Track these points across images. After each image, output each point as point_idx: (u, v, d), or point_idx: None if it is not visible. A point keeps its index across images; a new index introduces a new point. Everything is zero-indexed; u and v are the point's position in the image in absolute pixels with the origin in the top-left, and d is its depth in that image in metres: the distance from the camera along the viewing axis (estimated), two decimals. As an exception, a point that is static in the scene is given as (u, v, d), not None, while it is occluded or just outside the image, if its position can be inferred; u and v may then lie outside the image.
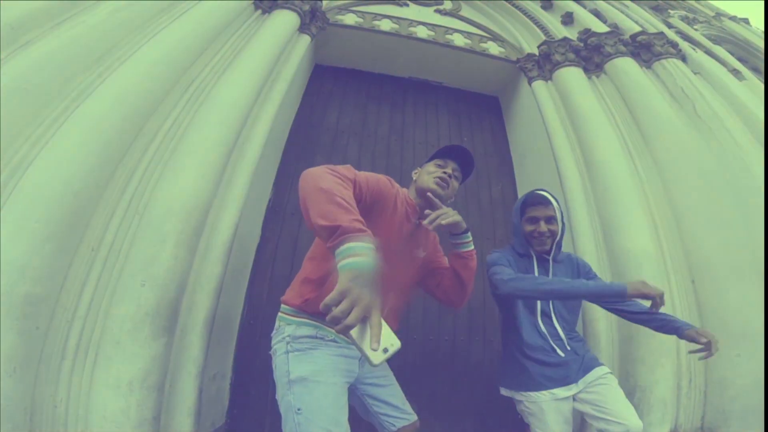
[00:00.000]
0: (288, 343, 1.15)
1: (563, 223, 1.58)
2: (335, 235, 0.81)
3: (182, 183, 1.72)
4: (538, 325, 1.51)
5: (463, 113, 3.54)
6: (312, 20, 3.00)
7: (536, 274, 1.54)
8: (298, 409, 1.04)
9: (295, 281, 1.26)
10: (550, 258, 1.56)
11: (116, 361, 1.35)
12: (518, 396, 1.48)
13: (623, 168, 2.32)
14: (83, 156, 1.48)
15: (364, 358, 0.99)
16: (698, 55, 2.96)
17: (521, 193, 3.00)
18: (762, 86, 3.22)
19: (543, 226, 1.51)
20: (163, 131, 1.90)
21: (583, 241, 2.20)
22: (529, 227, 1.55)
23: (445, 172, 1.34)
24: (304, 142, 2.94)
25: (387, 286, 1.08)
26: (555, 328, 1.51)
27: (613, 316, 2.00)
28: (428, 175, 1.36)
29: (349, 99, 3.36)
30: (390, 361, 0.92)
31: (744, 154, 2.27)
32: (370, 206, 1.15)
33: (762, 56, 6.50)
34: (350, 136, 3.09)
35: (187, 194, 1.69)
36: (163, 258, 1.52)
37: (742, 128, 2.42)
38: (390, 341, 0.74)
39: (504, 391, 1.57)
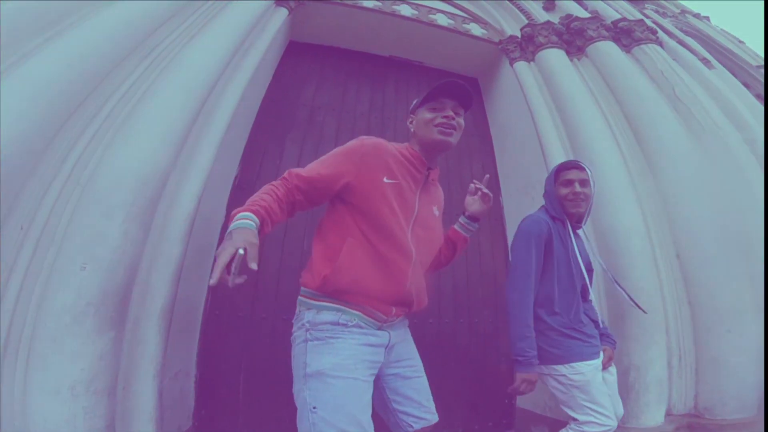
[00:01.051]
0: (307, 330, 1.00)
1: (593, 192, 1.52)
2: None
3: (138, 148, 1.46)
4: (578, 302, 1.43)
5: None
6: (291, -7, 2.75)
7: (572, 239, 1.46)
8: (314, 408, 0.90)
9: (310, 262, 1.08)
10: (583, 227, 1.53)
11: (53, 362, 1.11)
12: (562, 369, 1.34)
13: (608, 146, 2.26)
14: (12, 120, 1.20)
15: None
16: (674, 44, 2.93)
17: (501, 169, 2.98)
18: (731, 77, 3.25)
19: (578, 187, 1.45)
20: (118, 94, 1.65)
21: None
22: (563, 190, 1.48)
23: (445, 116, 1.12)
24: (275, 118, 2.74)
25: (418, 248, 1.10)
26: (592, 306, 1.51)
27: (603, 294, 1.98)
28: (426, 124, 1.15)
29: (328, 76, 3.16)
30: None
31: (723, 134, 2.26)
32: (351, 185, 1.06)
33: (725, 52, 6.70)
34: (328, 112, 2.92)
35: (142, 161, 1.43)
36: (110, 235, 1.25)
37: (716, 109, 2.41)
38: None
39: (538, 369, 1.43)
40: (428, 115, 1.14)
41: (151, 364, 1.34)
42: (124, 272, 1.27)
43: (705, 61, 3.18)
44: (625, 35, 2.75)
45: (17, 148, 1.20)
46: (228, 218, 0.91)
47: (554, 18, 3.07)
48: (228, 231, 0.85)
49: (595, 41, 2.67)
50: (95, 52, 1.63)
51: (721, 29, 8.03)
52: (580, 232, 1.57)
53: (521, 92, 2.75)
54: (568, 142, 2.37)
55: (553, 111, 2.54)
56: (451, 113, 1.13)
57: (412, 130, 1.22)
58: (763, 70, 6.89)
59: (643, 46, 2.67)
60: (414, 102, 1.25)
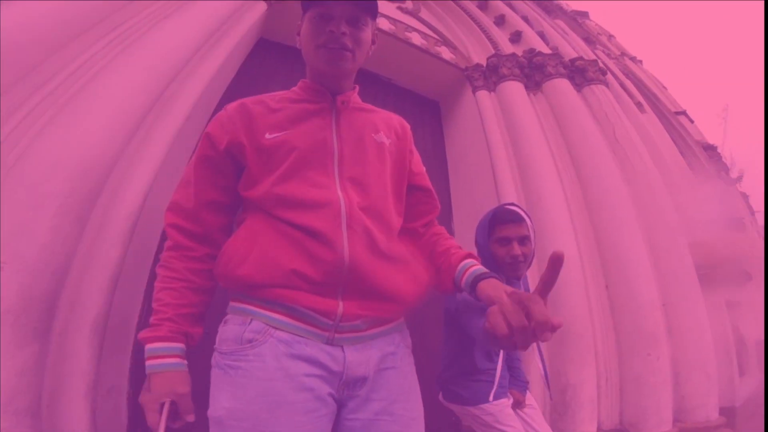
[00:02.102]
0: (214, 350, 0.70)
1: (534, 244, 1.27)
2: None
3: (84, 130, 1.26)
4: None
5: (406, 112, 3.38)
6: (270, -13, 2.65)
7: None
8: None
9: None
10: (521, 284, 1.26)
11: None
12: (473, 410, 1.29)
13: (553, 180, 2.41)
14: None
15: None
16: (617, 85, 3.22)
17: (454, 194, 3.04)
18: (657, 122, 3.66)
19: (516, 248, 1.18)
20: (68, 70, 1.44)
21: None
22: (500, 249, 1.21)
23: (331, 30, 0.73)
24: None
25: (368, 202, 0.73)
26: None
27: None
28: (308, 44, 0.78)
29: (295, 79, 3.01)
30: None
31: (651, 179, 2.52)
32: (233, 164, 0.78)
33: (651, 96, 7.49)
34: None
35: (87, 145, 1.23)
36: (37, 231, 1.05)
37: (647, 155, 2.69)
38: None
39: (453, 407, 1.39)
40: (310, 29, 0.76)
41: (82, 380, 1.15)
42: (51, 275, 1.07)
43: (639, 105, 3.54)
44: (579, 74, 2.95)
45: None
46: (138, 335, 0.71)
47: (518, 50, 3.23)
48: (147, 373, 0.66)
49: (553, 78, 2.83)
50: (51, 17, 1.43)
51: (651, 74, 9.00)
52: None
53: (480, 121, 2.83)
54: (518, 175, 2.50)
55: (508, 144, 2.65)
56: (339, 25, 0.73)
57: (299, 46, 0.84)
58: (679, 117, 7.82)
59: (593, 86, 2.88)
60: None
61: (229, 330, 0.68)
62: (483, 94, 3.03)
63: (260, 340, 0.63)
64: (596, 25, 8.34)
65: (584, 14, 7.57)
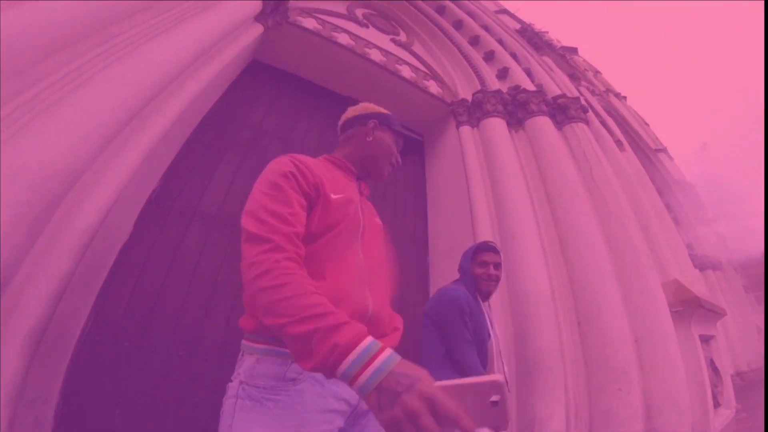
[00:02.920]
0: (241, 383, 0.71)
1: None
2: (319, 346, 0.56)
3: (51, 140, 1.24)
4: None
5: None
6: (273, 11, 2.71)
7: (485, 314, 1.58)
8: None
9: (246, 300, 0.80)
10: (488, 303, 1.66)
11: None
12: None
13: (528, 217, 2.46)
14: None
15: None
16: (597, 123, 3.35)
17: (432, 228, 3.07)
18: (636, 161, 3.79)
19: (492, 270, 1.58)
20: (52, 78, 1.44)
21: None
22: (479, 269, 1.60)
23: (397, 159, 1.07)
24: (214, 136, 2.50)
25: (377, 266, 0.89)
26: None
27: (512, 350, 2.13)
28: (386, 151, 1.02)
29: (282, 102, 3.05)
30: None
31: (624, 218, 2.57)
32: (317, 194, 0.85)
33: (632, 133, 7.77)
34: (272, 140, 2.76)
35: (53, 153, 1.21)
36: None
37: (623, 195, 2.79)
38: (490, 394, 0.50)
39: None
40: (394, 148, 1.05)
41: (7, 390, 1.11)
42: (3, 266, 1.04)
43: (619, 144, 3.67)
44: (561, 112, 3.03)
45: None
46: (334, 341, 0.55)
47: (505, 86, 3.34)
48: (385, 371, 0.52)
49: (535, 115, 2.91)
50: (31, 29, 1.41)
51: (634, 111, 9.36)
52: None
53: (461, 157, 2.89)
54: (495, 212, 2.54)
55: (487, 180, 2.70)
56: (399, 158, 1.08)
57: (369, 139, 1.01)
58: (660, 154, 8.09)
59: (573, 124, 2.96)
60: (372, 112, 1.08)
61: (267, 368, 0.71)
62: (466, 130, 3.09)
63: (300, 379, 0.70)
64: (584, 60, 8.71)
65: (573, 50, 7.90)
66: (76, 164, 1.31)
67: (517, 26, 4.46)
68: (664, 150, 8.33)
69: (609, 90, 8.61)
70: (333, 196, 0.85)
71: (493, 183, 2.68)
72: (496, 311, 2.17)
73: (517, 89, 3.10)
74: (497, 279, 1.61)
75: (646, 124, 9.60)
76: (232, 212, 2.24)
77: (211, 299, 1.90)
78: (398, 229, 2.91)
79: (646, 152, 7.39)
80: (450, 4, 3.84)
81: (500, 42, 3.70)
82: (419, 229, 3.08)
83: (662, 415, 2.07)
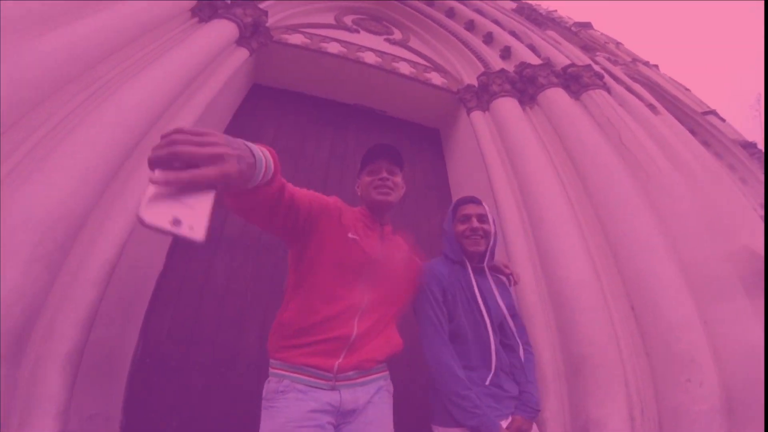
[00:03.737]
0: (262, 399, 1.02)
1: (495, 229, 1.42)
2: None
3: (53, 187, 1.39)
4: (487, 354, 1.28)
5: (404, 142, 3.34)
6: (254, 34, 2.73)
7: (473, 282, 1.31)
8: None
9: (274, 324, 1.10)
10: (485, 266, 1.39)
11: None
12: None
13: (558, 198, 2.18)
14: None
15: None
16: (622, 90, 3.02)
17: None
18: (676, 123, 3.36)
19: (475, 222, 1.36)
20: (45, 128, 1.58)
21: (522, 272, 2.00)
22: (461, 226, 1.39)
23: (380, 178, 1.20)
24: None
25: (381, 300, 1.11)
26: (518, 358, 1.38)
27: (557, 345, 1.83)
28: (366, 187, 1.22)
29: (289, 120, 3.08)
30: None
31: (668, 183, 2.23)
32: (323, 228, 1.06)
33: (672, 99, 7.10)
34: (285, 159, 2.78)
35: (56, 200, 1.36)
36: (9, 275, 1.20)
37: (662, 157, 2.43)
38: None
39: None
40: (367, 179, 1.22)
41: (51, 404, 1.28)
42: (21, 312, 1.22)
43: (651, 107, 3.29)
44: (574, 81, 2.76)
45: None
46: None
47: (510, 66, 3.10)
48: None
49: (546, 88, 2.66)
50: (21, 80, 1.53)
51: (669, 77, 8.61)
52: (500, 277, 1.46)
53: (476, 143, 2.71)
54: (520, 195, 2.30)
55: (506, 163, 2.48)
56: (385, 174, 1.20)
57: (359, 194, 1.27)
58: (708, 117, 7.32)
59: (590, 92, 2.67)
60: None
61: (270, 386, 1.01)
62: (477, 115, 2.90)
63: (287, 391, 0.97)
64: (602, 34, 8.20)
65: (587, 25, 7.48)
66: (78, 206, 1.44)
67: (513, 5, 4.24)
68: (712, 112, 7.52)
69: (636, 59, 8.01)
70: (350, 236, 1.08)
71: (513, 165, 2.45)
72: (531, 304, 1.93)
73: (522, 65, 2.88)
74: (485, 234, 1.36)
75: (687, 89, 8.79)
76: (253, 234, 2.34)
77: (242, 319, 2.03)
78: (425, 235, 2.72)
79: (693, 117, 6.70)
80: (439, -6, 3.74)
81: (497, 23, 3.51)
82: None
83: (749, 408, 1.69)
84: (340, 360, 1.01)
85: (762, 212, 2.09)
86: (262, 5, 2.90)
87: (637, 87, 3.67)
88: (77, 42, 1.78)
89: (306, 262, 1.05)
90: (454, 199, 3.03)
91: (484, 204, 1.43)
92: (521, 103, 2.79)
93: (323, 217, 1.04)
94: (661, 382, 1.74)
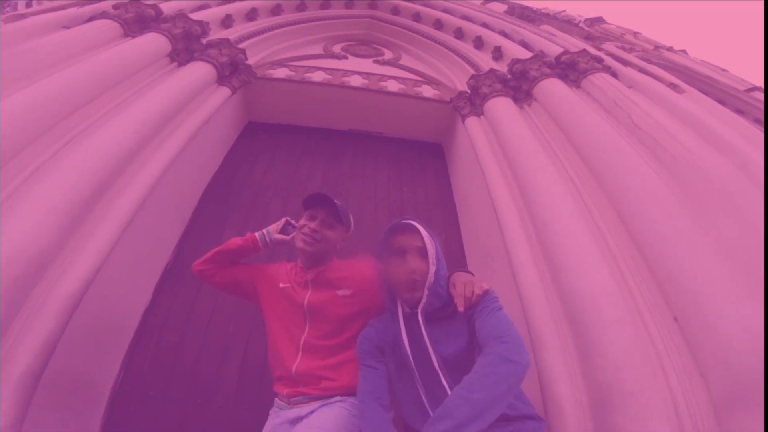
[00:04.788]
0: None
1: (438, 266, 1.03)
2: None
3: (13, 229, 1.49)
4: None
5: (404, 162, 3.19)
6: (234, 73, 2.76)
7: (404, 337, 1.00)
8: None
9: None
10: (418, 311, 0.99)
11: None
12: None
13: (564, 198, 1.89)
14: None
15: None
16: (630, 72, 2.71)
17: (466, 239, 2.58)
18: (706, 99, 2.97)
19: (412, 262, 1.00)
20: (23, 174, 1.68)
21: (529, 287, 1.71)
22: (396, 266, 1.03)
23: (309, 227, 1.22)
24: (220, 201, 2.60)
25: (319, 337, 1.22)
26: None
27: (578, 374, 1.47)
28: (299, 230, 1.26)
29: (281, 154, 3.05)
30: None
31: (698, 159, 1.85)
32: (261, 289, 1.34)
33: (707, 80, 6.49)
34: (275, 192, 2.74)
35: (12, 241, 1.45)
36: None
37: (690, 134, 2.09)
38: None
39: None
40: (303, 221, 1.25)
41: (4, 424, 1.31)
42: None
43: (673, 86, 2.94)
44: (571, 69, 2.49)
45: None
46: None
47: (503, 66, 2.91)
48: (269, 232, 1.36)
49: (539, 81, 2.43)
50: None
51: (701, 60, 7.97)
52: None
53: (473, 150, 2.50)
54: (521, 199, 2.03)
55: (504, 165, 2.24)
56: (315, 225, 1.21)
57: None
58: (754, 93, 6.60)
59: (590, 77, 2.40)
60: None
61: None
62: (471, 121, 2.70)
63: (271, 414, 1.25)
64: (617, 27, 7.84)
65: (598, 20, 7.21)
66: (37, 246, 1.50)
67: (504, 7, 4.12)
68: (756, 89, 6.77)
69: (659, 46, 7.52)
70: (281, 285, 1.28)
71: (512, 168, 2.20)
72: (542, 326, 1.61)
73: (513, 62, 2.69)
74: (423, 276, 0.99)
75: (723, 69, 8.08)
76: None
77: (224, 352, 2.03)
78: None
79: (736, 96, 6.08)
80: (422, 8, 3.69)
81: (485, 26, 3.36)
82: (454, 243, 2.64)
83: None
84: (289, 390, 1.19)
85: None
86: (241, 45, 2.97)
87: (654, 69, 3.32)
88: (56, 91, 1.87)
89: (263, 313, 1.32)
90: (459, 210, 2.84)
91: (421, 231, 1.05)
92: (517, 100, 2.57)
93: (255, 281, 1.34)
94: (723, 408, 1.32)
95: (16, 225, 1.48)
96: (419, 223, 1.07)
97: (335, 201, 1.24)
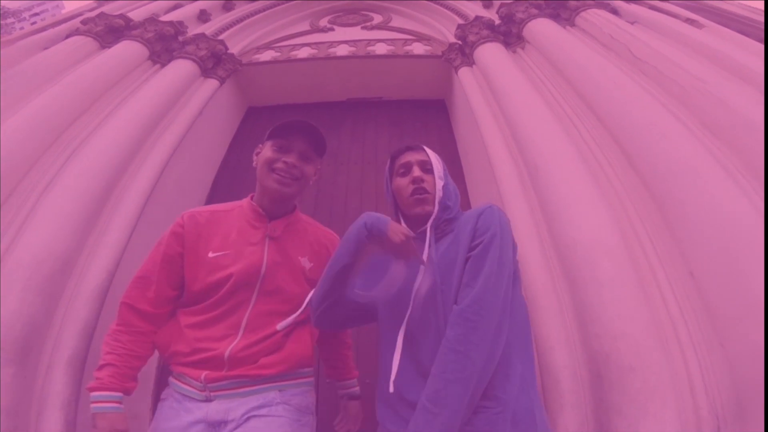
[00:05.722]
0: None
1: (446, 181, 1.00)
2: None
3: (36, 234, 1.65)
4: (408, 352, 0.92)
5: (407, 123, 3.09)
6: (217, 64, 2.75)
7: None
8: None
9: None
10: (428, 227, 0.93)
11: None
12: None
13: (557, 139, 1.75)
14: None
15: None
16: (635, 8, 2.44)
17: (472, 197, 2.48)
18: (729, 32, 2.64)
19: (417, 171, 0.97)
20: (38, 188, 1.83)
21: (524, 237, 1.61)
22: (400, 181, 0.99)
23: (286, 161, 0.96)
24: (229, 186, 2.66)
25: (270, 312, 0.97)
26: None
27: (576, 342, 1.33)
28: (265, 164, 0.99)
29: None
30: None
31: (712, 88, 1.64)
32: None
33: (748, 22, 5.73)
34: None
35: (38, 245, 1.62)
36: (9, 302, 1.49)
37: (703, 65, 1.86)
38: None
39: None
40: (270, 154, 0.98)
41: (58, 398, 1.49)
42: (21, 327, 1.47)
43: (691, 22, 2.64)
44: (561, 8, 2.30)
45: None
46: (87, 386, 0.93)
47: (493, 13, 2.77)
48: (91, 414, 0.87)
49: (527, 22, 2.25)
50: (10, 155, 1.78)
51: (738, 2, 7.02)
52: (462, 222, 0.95)
53: (467, 100, 2.39)
54: (515, 146, 1.91)
55: (498, 114, 2.11)
56: (293, 160, 0.97)
57: (254, 165, 1.05)
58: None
59: (582, 13, 2.20)
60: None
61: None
62: (464, 71, 2.58)
63: (165, 399, 0.99)
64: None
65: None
66: (60, 246, 1.67)
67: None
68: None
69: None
70: (210, 255, 0.97)
71: (504, 114, 2.07)
72: (538, 284, 1.50)
73: (499, 6, 2.52)
74: (423, 191, 0.94)
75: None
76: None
77: None
78: None
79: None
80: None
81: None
82: (462, 201, 2.61)
83: None
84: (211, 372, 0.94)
85: None
86: (222, 35, 2.96)
87: (668, 5, 2.97)
88: (46, 107, 1.97)
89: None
90: (462, 162, 2.74)
91: (426, 150, 1.04)
92: (509, 45, 2.41)
93: (177, 257, 1.01)
94: (748, 384, 1.06)
95: (41, 232, 1.64)
96: (424, 146, 1.05)
97: (316, 127, 1.01)
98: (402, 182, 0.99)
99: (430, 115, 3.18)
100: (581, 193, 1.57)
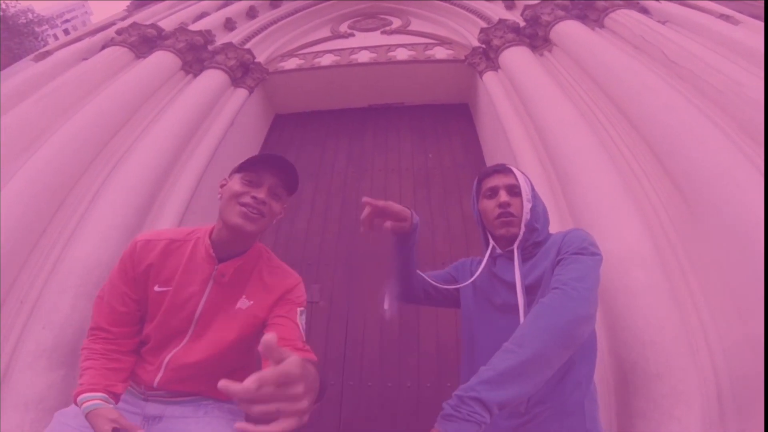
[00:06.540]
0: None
1: (535, 203, 1.00)
2: None
3: (85, 245, 1.74)
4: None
5: (428, 128, 3.09)
6: (246, 73, 2.81)
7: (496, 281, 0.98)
8: None
9: None
10: (514, 247, 0.95)
11: (19, 385, 1.45)
12: None
13: (587, 145, 1.73)
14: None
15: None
16: (666, 5, 2.38)
17: None
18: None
19: (504, 196, 0.97)
20: (85, 200, 1.94)
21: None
22: (488, 203, 1.01)
23: (254, 197, 0.89)
24: None
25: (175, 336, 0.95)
26: None
27: (605, 349, 1.32)
28: (231, 198, 0.90)
29: (309, 140, 3.10)
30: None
31: (750, 92, 1.59)
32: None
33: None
34: (306, 176, 2.78)
35: (87, 254, 1.71)
36: (62, 307, 1.58)
37: (740, 65, 1.77)
38: None
39: None
40: (238, 188, 0.90)
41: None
42: (72, 332, 1.56)
43: (724, 18, 2.55)
44: (589, 9, 2.24)
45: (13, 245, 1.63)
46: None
47: (518, 14, 2.70)
48: (84, 416, 0.84)
49: (553, 25, 2.22)
50: (53, 167, 1.88)
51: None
52: (550, 244, 0.97)
53: (493, 106, 2.36)
54: (544, 151, 1.90)
55: (527, 120, 2.09)
56: (263, 196, 0.89)
57: (219, 198, 0.96)
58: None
59: (611, 14, 2.15)
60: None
61: None
62: (489, 76, 2.56)
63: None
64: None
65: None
66: (106, 255, 1.75)
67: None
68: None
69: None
70: (156, 289, 0.94)
71: (534, 121, 2.06)
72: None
73: (524, 9, 2.49)
74: (510, 215, 0.96)
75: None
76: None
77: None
78: (452, 217, 2.50)
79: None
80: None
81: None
82: None
83: None
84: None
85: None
86: (248, 44, 3.02)
87: (699, 2, 2.88)
88: (89, 122, 2.07)
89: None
90: None
91: (514, 171, 1.03)
92: (535, 48, 2.37)
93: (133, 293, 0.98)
94: None
95: (89, 242, 1.74)
96: (513, 166, 1.06)
97: (290, 163, 0.95)
98: (488, 205, 1.00)
99: (452, 119, 3.17)
100: (614, 202, 1.56)
